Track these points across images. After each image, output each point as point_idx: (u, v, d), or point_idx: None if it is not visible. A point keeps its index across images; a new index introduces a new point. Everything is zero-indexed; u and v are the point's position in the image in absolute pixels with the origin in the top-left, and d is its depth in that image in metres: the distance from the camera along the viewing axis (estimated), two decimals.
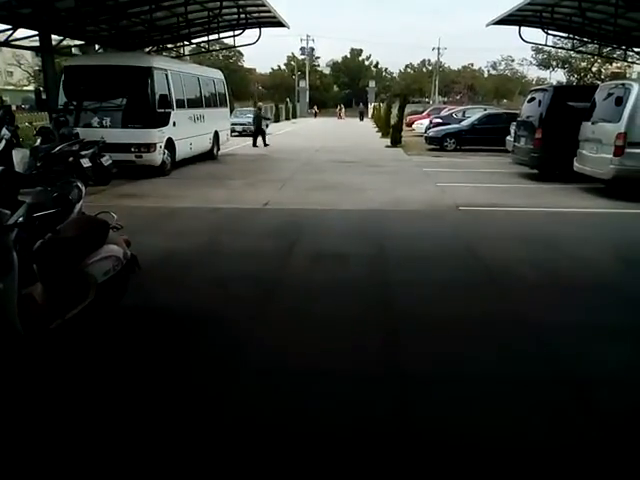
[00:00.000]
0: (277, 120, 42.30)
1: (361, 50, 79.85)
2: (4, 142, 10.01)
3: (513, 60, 59.36)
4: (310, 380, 3.33)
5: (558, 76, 52.63)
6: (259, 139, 21.06)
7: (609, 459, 2.61)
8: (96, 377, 3.34)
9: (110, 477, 2.48)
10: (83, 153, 9.76)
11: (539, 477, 2.51)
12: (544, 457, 2.61)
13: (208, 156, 15.36)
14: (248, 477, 2.50)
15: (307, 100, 62.78)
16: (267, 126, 21.63)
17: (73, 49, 18.44)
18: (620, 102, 9.53)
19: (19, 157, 9.16)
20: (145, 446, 2.68)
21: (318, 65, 77.39)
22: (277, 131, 31.81)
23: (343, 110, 57.80)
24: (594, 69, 36.11)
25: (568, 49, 25.71)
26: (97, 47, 17.28)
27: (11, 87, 47.24)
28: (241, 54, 59.42)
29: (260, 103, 29.61)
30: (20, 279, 3.23)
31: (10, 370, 3.18)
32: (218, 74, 17.32)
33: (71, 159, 9.43)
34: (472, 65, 71.84)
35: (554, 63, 38.56)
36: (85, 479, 2.48)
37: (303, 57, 70.19)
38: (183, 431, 2.79)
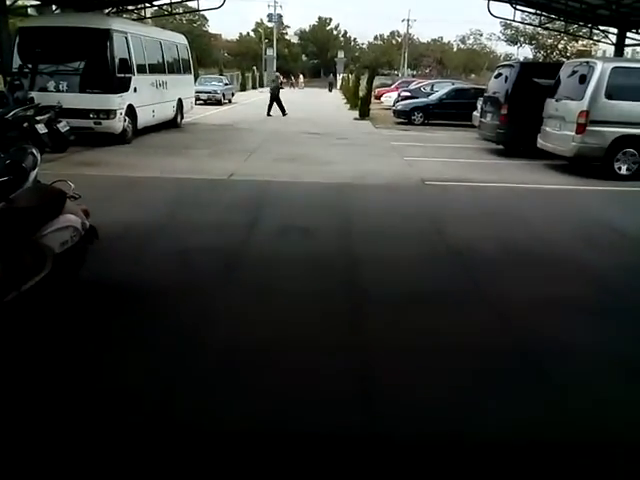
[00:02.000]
0: (243, 89, 41.53)
1: (330, 19, 78.75)
2: None
3: (482, 34, 59.65)
4: (271, 355, 3.30)
5: (525, 52, 53.03)
6: (274, 107, 21.19)
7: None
8: (51, 351, 3.24)
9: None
10: (38, 118, 9.33)
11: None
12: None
13: (171, 124, 14.96)
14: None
15: (274, 69, 61.66)
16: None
17: (29, 9, 17.51)
18: (584, 80, 9.64)
19: None
20: (94, 429, 2.62)
21: (286, 33, 75.93)
22: (244, 100, 31.26)
23: (302, 79, 55.87)
24: (560, 46, 36.51)
25: (535, 25, 25.83)
26: (54, 8, 16.45)
27: None
28: (205, 19, 57.64)
29: (277, 73, 28.93)
30: None
31: None
32: (181, 39, 16.77)
33: (26, 125, 9.01)
34: (441, 38, 71.90)
35: (521, 39, 38.82)
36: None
37: (272, 25, 68.66)
38: (136, 410, 2.75)
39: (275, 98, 21.46)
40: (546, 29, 26.99)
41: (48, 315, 3.65)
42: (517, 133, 11.59)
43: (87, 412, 2.68)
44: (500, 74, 12.94)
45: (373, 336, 3.60)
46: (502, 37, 40.90)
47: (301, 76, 57.46)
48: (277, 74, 27.24)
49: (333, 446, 2.51)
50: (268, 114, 21.10)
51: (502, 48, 76.84)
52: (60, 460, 2.36)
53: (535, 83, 11.55)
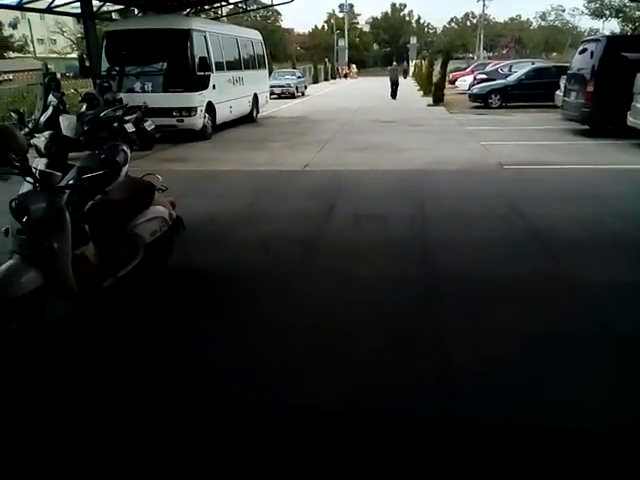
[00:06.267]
0: (316, 81, 41.72)
1: (404, 5, 77.41)
2: (52, 109, 10.32)
3: (564, 10, 56.44)
4: (349, 337, 3.39)
5: (612, 26, 49.74)
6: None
7: None
8: (149, 335, 3.50)
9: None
10: (127, 118, 9.89)
11: None
12: None
13: (248, 119, 15.36)
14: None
15: (346, 59, 61.53)
16: None
17: (113, 14, 18.51)
18: None
19: (66, 123, 9.45)
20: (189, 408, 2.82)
21: (358, 23, 75.49)
22: (316, 92, 31.46)
23: (355, 69, 56.20)
24: None
25: None
26: (136, 11, 17.28)
27: (55, 55, 48.17)
28: (279, 14, 58.69)
29: (395, 63, 30.88)
30: (73, 239, 3.37)
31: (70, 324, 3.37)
32: (256, 35, 17.12)
33: (116, 124, 9.59)
34: (519, 17, 68.93)
35: (607, 12, 36.27)
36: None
37: (343, 15, 68.41)
38: (231, 387, 2.92)
39: (396, 83, 24.83)
40: (634, 0, 25.10)
41: (141, 299, 3.93)
42: (604, 111, 10.93)
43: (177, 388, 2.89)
44: (585, 49, 12.22)
45: (449, 321, 3.60)
46: (586, 11, 38.41)
47: (354, 66, 57.48)
48: (395, 63, 29.80)
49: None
50: (394, 98, 24.47)
51: (586, 23, 72.70)
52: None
53: (624, 57, 10.83)
